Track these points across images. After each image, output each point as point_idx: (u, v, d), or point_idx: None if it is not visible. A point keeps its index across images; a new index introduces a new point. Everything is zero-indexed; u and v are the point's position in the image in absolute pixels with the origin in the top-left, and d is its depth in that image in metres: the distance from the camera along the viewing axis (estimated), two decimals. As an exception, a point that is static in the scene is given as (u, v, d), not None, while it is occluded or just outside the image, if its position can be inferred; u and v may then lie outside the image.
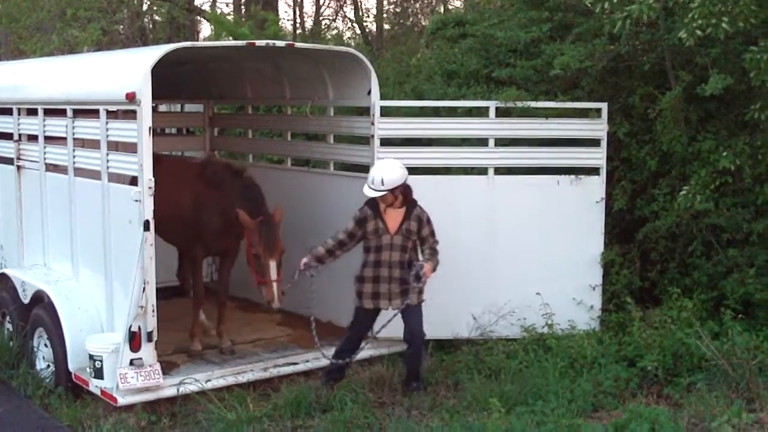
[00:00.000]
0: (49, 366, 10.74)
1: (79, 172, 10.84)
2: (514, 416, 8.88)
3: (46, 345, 10.78)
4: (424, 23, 29.23)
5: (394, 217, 10.13)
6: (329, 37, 30.10)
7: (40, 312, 10.89)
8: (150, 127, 9.50)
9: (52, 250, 11.53)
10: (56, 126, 11.17)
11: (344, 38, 30.07)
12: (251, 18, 22.31)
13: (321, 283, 10.42)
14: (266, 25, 20.73)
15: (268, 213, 10.56)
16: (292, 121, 13.29)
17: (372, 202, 10.14)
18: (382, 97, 11.62)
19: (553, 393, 9.48)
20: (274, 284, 10.31)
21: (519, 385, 9.81)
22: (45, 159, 11.48)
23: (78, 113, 10.85)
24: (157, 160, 11.35)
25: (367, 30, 30.87)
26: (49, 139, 11.43)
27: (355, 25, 31.51)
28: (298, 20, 32.81)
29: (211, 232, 11.09)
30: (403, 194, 10.17)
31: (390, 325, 10.06)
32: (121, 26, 28.63)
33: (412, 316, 10.07)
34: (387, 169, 10.08)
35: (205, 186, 11.11)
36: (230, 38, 18.97)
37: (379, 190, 10.01)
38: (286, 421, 9.47)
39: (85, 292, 10.68)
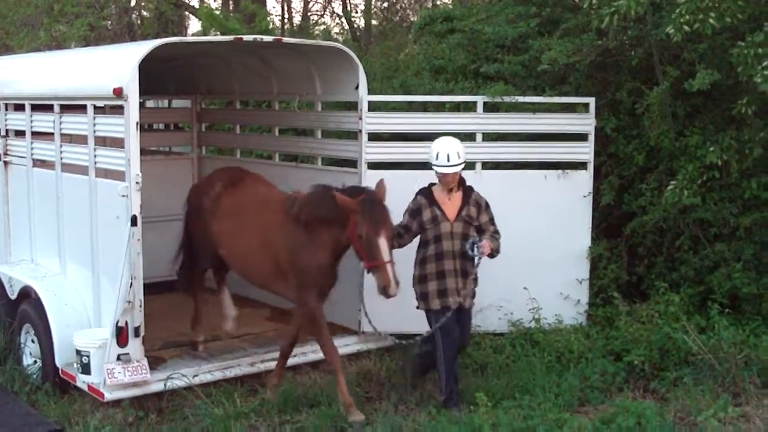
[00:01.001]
0: (36, 362, 10.72)
1: (67, 167, 10.82)
2: (501, 410, 8.90)
3: (33, 341, 10.77)
4: (412, 18, 29.21)
5: (452, 203, 9.66)
6: (317, 32, 30.11)
7: (27, 308, 10.88)
8: (137, 123, 9.50)
9: (39, 246, 11.52)
10: (43, 121, 11.13)
11: (332, 34, 30.05)
12: (240, 12, 22.28)
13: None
14: (256, 20, 20.72)
15: (371, 191, 9.53)
16: (280, 117, 13.29)
17: (424, 191, 9.77)
18: (370, 92, 11.62)
19: (540, 387, 9.54)
20: (389, 266, 9.11)
21: (506, 380, 9.86)
22: (32, 154, 11.45)
23: (65, 108, 10.83)
24: (239, 180, 10.91)
25: (355, 25, 30.86)
26: (36, 134, 11.41)
27: (343, 20, 31.51)
28: (286, 16, 32.80)
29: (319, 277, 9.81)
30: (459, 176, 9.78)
31: (379, 318, 9.96)
32: (109, 22, 28.56)
33: (468, 320, 9.86)
34: (456, 144, 9.68)
35: (294, 225, 9.85)
36: (219, 33, 18.95)
37: (457, 164, 9.58)
38: (273, 416, 9.48)
39: (73, 288, 10.67)
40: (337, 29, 31.96)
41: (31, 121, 11.37)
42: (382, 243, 9.09)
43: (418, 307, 9.78)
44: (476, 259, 9.52)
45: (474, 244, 9.48)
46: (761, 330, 10.55)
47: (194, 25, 31.14)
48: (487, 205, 9.80)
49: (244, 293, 12.50)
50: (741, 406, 9.18)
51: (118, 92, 9.47)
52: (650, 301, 11.23)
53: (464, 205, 9.67)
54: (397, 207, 9.73)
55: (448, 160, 9.57)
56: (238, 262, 10.58)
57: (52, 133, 10.93)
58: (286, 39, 12.10)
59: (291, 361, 10.53)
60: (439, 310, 9.51)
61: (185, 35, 28.65)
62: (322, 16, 33.87)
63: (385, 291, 9.09)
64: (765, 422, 8.72)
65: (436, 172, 9.72)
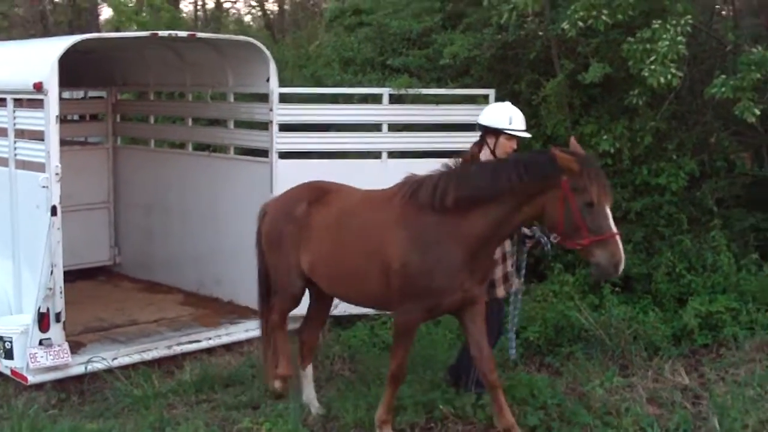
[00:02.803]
0: (-42, 349, 10.92)
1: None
2: (405, 385, 9.19)
3: (-45, 329, 10.96)
4: (325, 5, 29.45)
5: None
6: (230, 20, 30.22)
7: (-52, 297, 10.99)
8: (57, 116, 9.78)
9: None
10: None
11: (245, 22, 30.18)
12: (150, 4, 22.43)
13: (224, 262, 10.75)
14: (161, 14, 20.91)
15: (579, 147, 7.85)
16: (194, 107, 13.62)
17: None
18: (283, 80, 11.95)
19: (441, 362, 9.87)
20: (618, 237, 7.44)
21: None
22: (-48, 147, 11.62)
23: (-17, 102, 11.06)
24: (326, 191, 8.83)
25: (269, 13, 31.01)
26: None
27: (257, 8, 31.63)
28: (200, 3, 32.83)
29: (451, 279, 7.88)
30: None
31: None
32: (21, 9, 28.50)
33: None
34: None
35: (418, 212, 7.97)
36: (133, 25, 19.18)
37: (527, 130, 8.57)
38: (190, 396, 9.73)
39: (-7, 277, 10.84)
40: (250, 18, 32.09)
41: (-50, 115, 11.54)
42: (609, 211, 7.48)
43: None
44: (546, 248, 8.77)
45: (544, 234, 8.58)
46: (650, 307, 11.12)
47: (107, 11, 31.11)
48: None
49: (158, 279, 12.91)
50: (628, 377, 9.72)
51: (39, 87, 9.76)
52: (546, 282, 11.74)
53: None
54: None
55: (522, 124, 8.47)
56: (342, 284, 8.61)
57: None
58: (199, 34, 12.41)
59: (206, 344, 10.92)
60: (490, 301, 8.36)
61: (98, 23, 28.71)
62: (235, 3, 33.94)
63: (615, 269, 7.50)
64: (647, 390, 9.25)
65: (499, 139, 8.53)
